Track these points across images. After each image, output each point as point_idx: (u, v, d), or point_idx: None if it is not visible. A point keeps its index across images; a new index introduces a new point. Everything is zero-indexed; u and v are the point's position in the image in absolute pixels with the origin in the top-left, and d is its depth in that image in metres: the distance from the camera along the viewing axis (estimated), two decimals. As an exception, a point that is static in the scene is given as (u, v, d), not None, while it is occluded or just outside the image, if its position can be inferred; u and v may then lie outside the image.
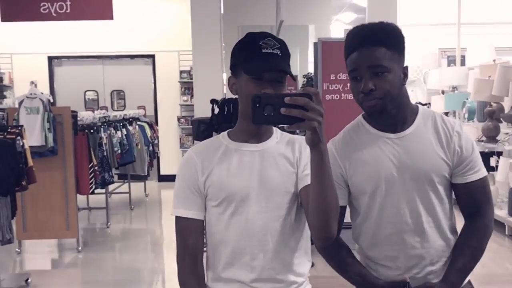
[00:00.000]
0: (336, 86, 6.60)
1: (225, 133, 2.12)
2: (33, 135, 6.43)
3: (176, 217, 2.05)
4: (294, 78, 1.99)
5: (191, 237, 2.03)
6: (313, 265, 5.92)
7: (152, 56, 12.75)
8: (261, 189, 1.99)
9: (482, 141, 7.90)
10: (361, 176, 2.16)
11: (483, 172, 2.19)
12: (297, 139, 2.08)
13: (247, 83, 1.95)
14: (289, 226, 2.01)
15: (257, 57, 1.93)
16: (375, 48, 2.05)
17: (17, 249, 6.97)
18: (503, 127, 7.66)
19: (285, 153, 2.04)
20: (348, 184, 2.20)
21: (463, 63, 9.71)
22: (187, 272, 2.03)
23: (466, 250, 2.16)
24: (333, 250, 2.20)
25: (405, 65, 2.13)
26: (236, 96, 2.07)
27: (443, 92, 9.75)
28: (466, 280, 2.23)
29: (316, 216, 1.82)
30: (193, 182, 2.03)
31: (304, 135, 1.76)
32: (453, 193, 2.23)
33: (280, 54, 1.95)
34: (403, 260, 2.16)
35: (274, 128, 2.09)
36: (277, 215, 1.99)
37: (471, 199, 2.18)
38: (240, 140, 2.05)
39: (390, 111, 2.11)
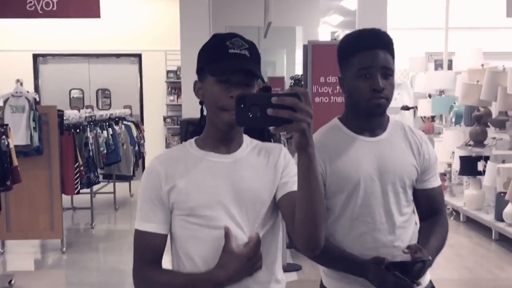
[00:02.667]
0: (325, 89, 6.58)
1: (192, 140, 1.94)
2: (18, 134, 6.33)
3: (136, 230, 1.89)
4: (264, 80, 1.92)
5: (151, 252, 1.88)
6: (300, 268, 5.95)
7: (138, 55, 12.69)
8: (234, 203, 1.85)
9: (470, 145, 7.92)
10: (339, 176, 2.22)
11: (439, 180, 2.39)
12: (270, 146, 1.96)
13: (213, 86, 1.82)
14: (265, 240, 1.87)
15: (223, 57, 1.80)
16: (386, 52, 2.18)
17: (0, 250, 6.90)
18: (491, 131, 7.68)
19: (258, 162, 1.91)
20: (325, 184, 2.24)
21: (450, 67, 9.73)
22: (145, 280, 1.88)
23: (436, 235, 2.28)
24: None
25: None
26: None
27: (429, 96, 9.77)
28: (428, 280, 2.34)
29: (304, 225, 1.71)
30: (156, 193, 1.87)
31: (284, 139, 1.68)
32: None
33: (249, 55, 1.82)
34: None
35: (244, 135, 1.95)
36: (252, 228, 1.86)
37: (431, 204, 2.35)
38: (209, 149, 1.89)
39: (385, 112, 2.25)
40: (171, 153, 1.96)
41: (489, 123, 7.64)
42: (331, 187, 2.24)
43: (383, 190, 2.23)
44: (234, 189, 1.85)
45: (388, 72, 2.17)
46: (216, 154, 1.89)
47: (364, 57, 2.17)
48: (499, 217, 7.13)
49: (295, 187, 1.80)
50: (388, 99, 2.18)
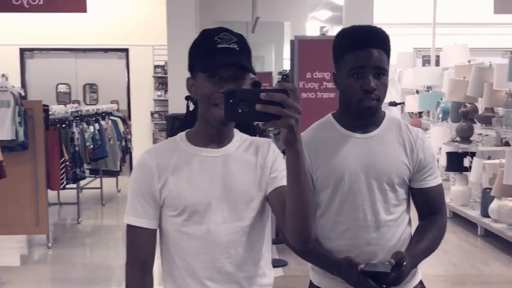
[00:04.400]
0: (312, 85, 6.56)
1: (183, 134, 1.95)
2: (3, 129, 6.30)
3: (128, 225, 1.91)
4: (255, 74, 1.89)
5: (142, 248, 1.90)
6: (286, 264, 5.95)
7: (126, 50, 12.65)
8: (223, 198, 1.87)
9: (456, 141, 7.94)
10: (325, 171, 2.21)
11: (439, 179, 2.33)
12: (259, 141, 1.96)
13: (203, 82, 1.82)
14: (253, 236, 1.90)
15: (212, 53, 1.80)
16: (380, 51, 2.14)
17: (-15, 245, 6.86)
18: (477, 128, 7.69)
19: (248, 157, 1.92)
20: (312, 178, 2.23)
21: (437, 63, 9.75)
22: (134, 285, 1.90)
23: (428, 236, 2.25)
24: None
25: None
26: None
27: (417, 92, 9.79)
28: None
29: (295, 219, 1.72)
30: (147, 189, 1.88)
31: (272, 135, 1.67)
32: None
33: (238, 49, 1.82)
34: (356, 255, 2.18)
35: (235, 130, 1.96)
36: (241, 225, 1.88)
37: (429, 203, 2.30)
38: (199, 144, 1.90)
39: (376, 113, 2.22)
40: (162, 147, 1.96)
41: (475, 119, 7.66)
42: (318, 181, 2.23)
43: (368, 186, 2.20)
44: (224, 183, 1.87)
45: (381, 72, 2.13)
46: (207, 149, 1.90)
47: (357, 56, 2.14)
48: (485, 213, 7.16)
49: (284, 182, 1.82)
50: (380, 99, 2.16)
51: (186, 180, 1.87)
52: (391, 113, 10.34)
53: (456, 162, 8.08)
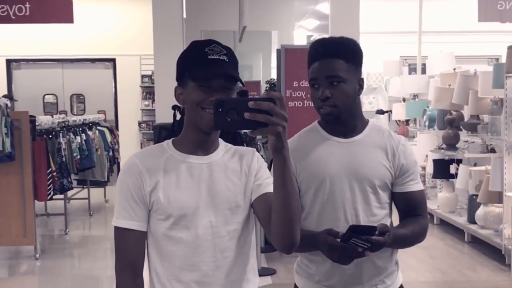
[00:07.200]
0: (299, 93, 6.61)
1: (169, 141, 1.99)
2: (-11, 140, 6.28)
3: (116, 227, 1.92)
4: (243, 84, 1.98)
5: (132, 250, 1.91)
6: (274, 272, 5.95)
7: (113, 60, 12.65)
8: (210, 203, 1.91)
9: (442, 148, 7.99)
10: (308, 173, 2.30)
11: (421, 185, 2.40)
12: (244, 150, 2.03)
13: (194, 91, 1.88)
14: (239, 241, 1.95)
15: (204, 63, 1.87)
16: (334, 60, 2.24)
17: (-28, 257, 6.82)
18: (463, 135, 7.75)
19: (233, 165, 1.98)
20: (297, 181, 2.29)
21: (423, 71, 9.80)
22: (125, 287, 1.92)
23: (410, 227, 2.30)
24: None
25: (361, 77, 2.33)
26: None
27: (404, 100, 9.85)
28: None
29: (280, 224, 1.78)
30: (137, 191, 1.90)
31: (261, 143, 1.70)
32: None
33: (227, 60, 1.90)
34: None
35: (220, 139, 2.02)
36: (227, 229, 1.93)
37: (411, 207, 2.36)
38: (186, 151, 1.95)
39: (345, 118, 2.29)
40: (150, 152, 1.99)
41: (461, 127, 7.71)
42: (301, 184, 2.31)
43: (350, 188, 2.27)
44: (209, 189, 1.92)
45: (335, 80, 2.23)
46: (194, 156, 1.94)
47: (313, 68, 2.28)
48: (472, 220, 7.20)
49: (268, 189, 1.90)
50: (338, 106, 2.25)
51: (175, 185, 1.90)
52: (379, 121, 10.40)
53: (442, 169, 8.13)
